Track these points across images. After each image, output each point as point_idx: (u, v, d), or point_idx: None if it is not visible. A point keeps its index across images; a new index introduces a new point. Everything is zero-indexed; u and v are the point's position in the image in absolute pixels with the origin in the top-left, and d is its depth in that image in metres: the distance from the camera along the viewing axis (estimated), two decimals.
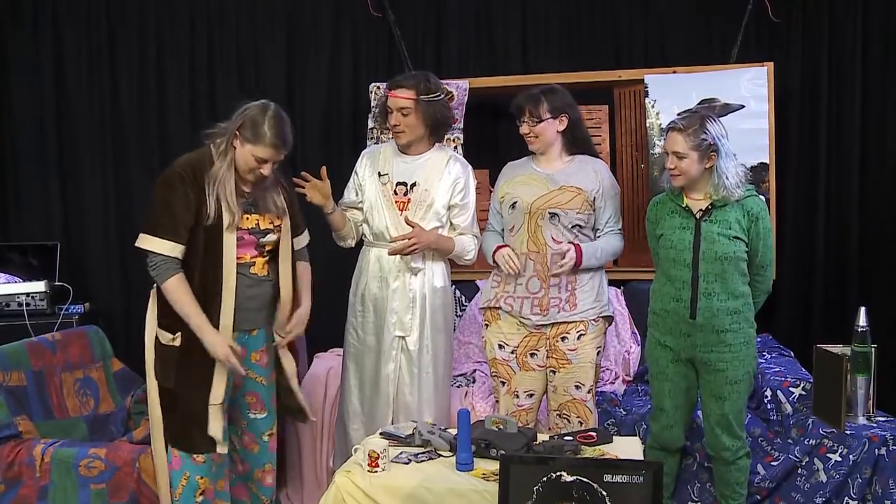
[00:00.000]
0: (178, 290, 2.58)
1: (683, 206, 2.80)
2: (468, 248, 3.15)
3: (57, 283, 4.28)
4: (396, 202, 3.09)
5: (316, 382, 3.58)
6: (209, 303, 2.62)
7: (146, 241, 2.59)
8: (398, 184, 3.10)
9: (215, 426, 2.63)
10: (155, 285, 2.68)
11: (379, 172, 3.13)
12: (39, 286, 4.15)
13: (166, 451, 2.70)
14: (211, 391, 2.63)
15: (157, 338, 2.67)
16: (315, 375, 3.63)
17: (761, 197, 2.87)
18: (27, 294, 4.13)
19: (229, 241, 2.62)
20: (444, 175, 3.10)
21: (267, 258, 2.77)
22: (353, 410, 3.17)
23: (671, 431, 2.94)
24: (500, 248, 2.96)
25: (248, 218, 2.69)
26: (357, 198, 3.19)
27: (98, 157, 4.64)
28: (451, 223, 3.16)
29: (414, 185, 3.09)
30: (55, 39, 4.62)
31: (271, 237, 2.75)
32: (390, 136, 3.19)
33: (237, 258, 2.67)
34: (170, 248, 2.57)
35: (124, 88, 4.62)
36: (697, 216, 2.77)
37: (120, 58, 4.60)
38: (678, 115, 2.88)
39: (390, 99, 3.05)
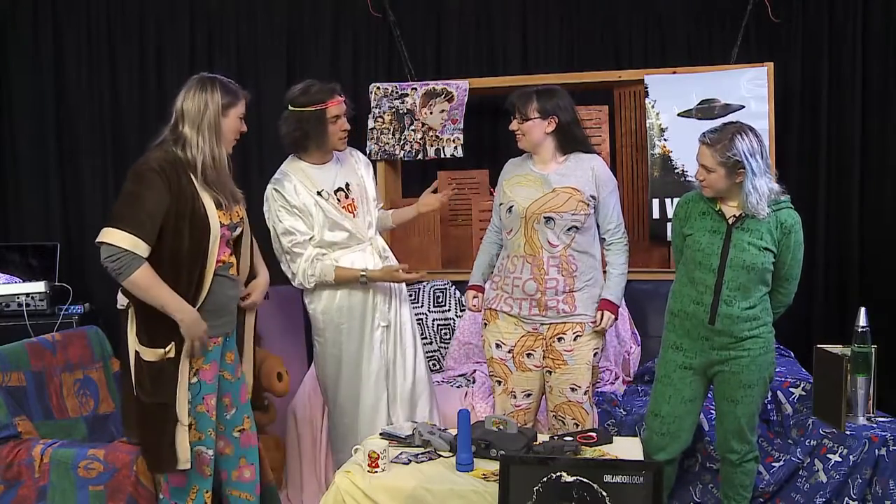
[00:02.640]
0: (147, 278, 2.41)
1: (717, 209, 2.75)
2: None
3: (57, 284, 4.28)
4: (345, 208, 3.10)
5: (316, 384, 3.58)
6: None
7: (108, 235, 2.39)
8: (337, 191, 3.10)
9: (184, 441, 2.56)
10: (130, 306, 2.56)
11: (318, 192, 3.06)
12: (39, 286, 4.15)
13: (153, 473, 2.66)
14: (177, 408, 2.54)
15: (139, 357, 2.55)
16: (315, 376, 3.62)
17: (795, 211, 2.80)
18: (27, 294, 4.12)
19: (215, 240, 2.54)
20: (358, 164, 3.22)
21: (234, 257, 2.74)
22: (353, 411, 3.13)
23: (661, 439, 2.87)
24: (471, 288, 3.16)
25: (224, 213, 2.60)
26: (309, 220, 3.08)
27: (98, 157, 4.65)
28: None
29: (347, 185, 3.13)
30: (55, 39, 4.63)
31: (238, 230, 2.71)
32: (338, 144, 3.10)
33: (221, 261, 2.61)
34: (132, 243, 2.38)
35: (124, 88, 4.62)
36: (730, 222, 2.73)
37: (120, 58, 4.61)
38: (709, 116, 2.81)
39: (339, 107, 3.03)
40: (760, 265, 2.69)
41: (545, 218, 2.89)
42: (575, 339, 2.93)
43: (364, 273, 3.05)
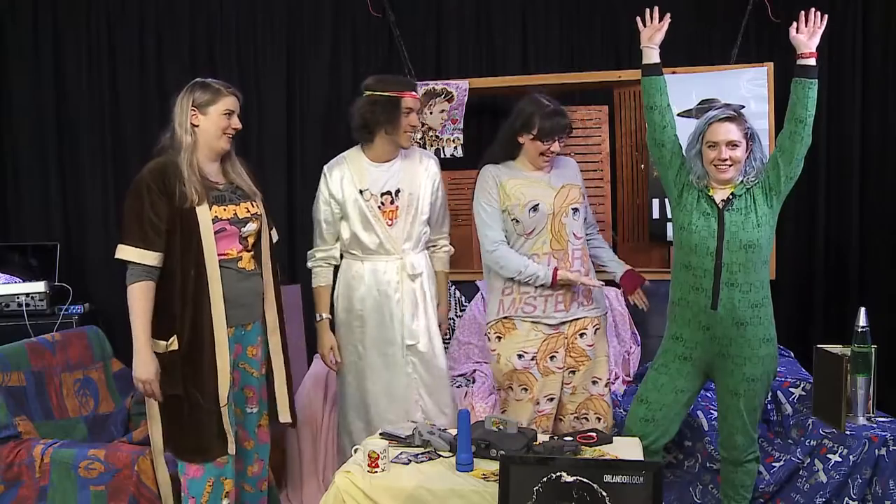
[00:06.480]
0: (136, 297, 2.57)
1: (709, 194, 2.75)
2: (446, 259, 3.31)
3: (56, 284, 4.28)
4: (384, 213, 3.05)
5: (316, 383, 3.58)
6: (200, 300, 2.60)
7: (120, 251, 2.60)
8: (383, 194, 3.05)
9: (228, 426, 2.63)
10: None
11: (359, 190, 3.05)
12: (39, 286, 4.16)
13: (176, 463, 2.67)
14: (218, 392, 2.61)
15: (156, 352, 2.61)
16: (315, 376, 3.63)
17: None
18: (27, 294, 4.13)
19: (206, 230, 2.60)
20: (422, 173, 3.11)
21: (252, 253, 2.76)
22: (357, 430, 3.12)
23: (644, 426, 2.84)
24: (556, 270, 2.90)
25: (225, 209, 2.67)
26: (339, 212, 3.09)
27: (98, 157, 4.65)
28: (429, 224, 3.17)
29: (398, 191, 3.06)
30: (55, 39, 4.63)
31: (252, 227, 2.73)
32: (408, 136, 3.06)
33: (223, 254, 2.65)
34: (138, 256, 2.57)
35: (124, 88, 4.62)
36: (720, 206, 2.73)
37: (120, 58, 4.61)
38: (715, 107, 2.84)
39: (414, 101, 3.01)
40: (756, 241, 2.69)
41: (573, 209, 2.95)
42: (595, 333, 3.00)
43: (320, 317, 3.12)
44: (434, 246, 3.24)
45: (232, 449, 2.65)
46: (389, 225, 3.05)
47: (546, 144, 2.91)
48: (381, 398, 3.09)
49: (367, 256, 3.08)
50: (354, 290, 3.09)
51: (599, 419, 3.00)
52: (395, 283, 3.05)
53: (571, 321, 2.97)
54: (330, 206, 3.08)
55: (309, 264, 3.16)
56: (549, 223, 2.93)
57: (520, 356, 2.95)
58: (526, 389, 2.96)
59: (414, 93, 3.04)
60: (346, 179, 3.05)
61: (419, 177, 3.09)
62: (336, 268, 3.18)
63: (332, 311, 3.16)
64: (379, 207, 3.04)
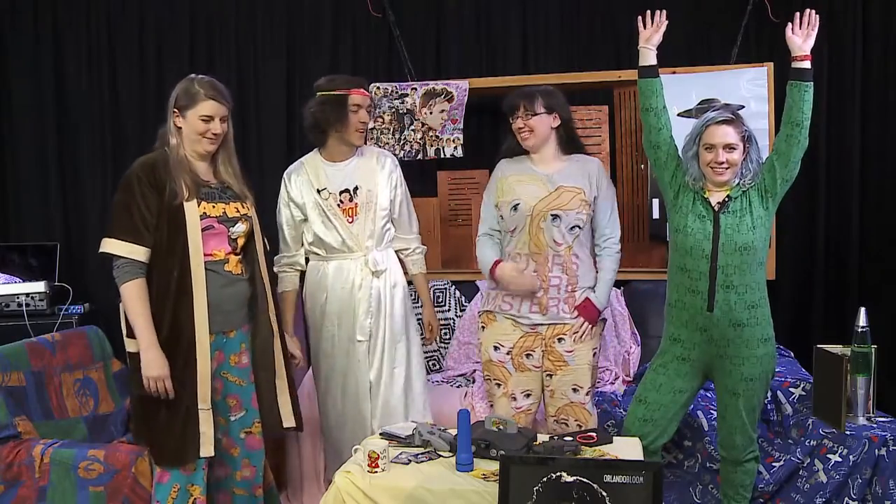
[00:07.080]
0: (133, 296, 2.53)
1: (705, 196, 2.76)
2: (421, 260, 3.29)
3: (56, 284, 4.28)
4: (344, 211, 3.07)
5: (315, 384, 3.58)
6: (181, 301, 2.55)
7: (106, 245, 2.54)
8: (342, 192, 3.08)
9: (206, 427, 2.59)
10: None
11: (317, 189, 3.08)
12: (39, 286, 4.16)
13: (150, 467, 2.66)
14: (198, 395, 2.58)
15: (129, 352, 2.61)
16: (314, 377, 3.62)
17: None
18: (27, 294, 4.13)
19: (193, 226, 2.56)
20: (378, 171, 3.13)
21: (240, 256, 2.72)
22: (338, 423, 3.14)
23: (643, 426, 2.85)
24: (497, 263, 2.94)
25: (214, 206, 2.64)
26: (300, 216, 3.11)
27: (98, 157, 4.65)
28: (393, 223, 3.19)
29: (356, 188, 3.09)
30: (55, 39, 4.63)
31: (241, 227, 2.70)
32: (356, 135, 3.07)
33: (210, 255, 2.61)
34: (128, 250, 2.52)
35: (124, 88, 4.63)
36: (716, 208, 2.73)
37: (120, 58, 4.61)
38: (713, 109, 2.83)
39: (362, 98, 3.04)
40: (752, 243, 2.69)
41: (552, 216, 2.89)
42: (575, 341, 2.93)
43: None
44: (406, 249, 3.25)
45: (205, 452, 2.60)
46: (350, 222, 3.07)
47: (512, 122, 2.95)
48: (349, 397, 3.11)
49: (332, 256, 3.10)
50: (321, 291, 3.11)
51: (580, 426, 2.96)
52: (359, 280, 3.07)
53: (550, 324, 2.94)
54: (290, 208, 3.12)
55: (275, 269, 3.16)
56: (528, 225, 2.91)
57: (496, 348, 2.97)
58: (500, 385, 2.98)
59: (362, 90, 3.06)
60: (305, 182, 3.09)
61: (376, 174, 3.12)
62: (302, 273, 3.20)
63: (302, 313, 3.20)
64: (338, 205, 3.07)
